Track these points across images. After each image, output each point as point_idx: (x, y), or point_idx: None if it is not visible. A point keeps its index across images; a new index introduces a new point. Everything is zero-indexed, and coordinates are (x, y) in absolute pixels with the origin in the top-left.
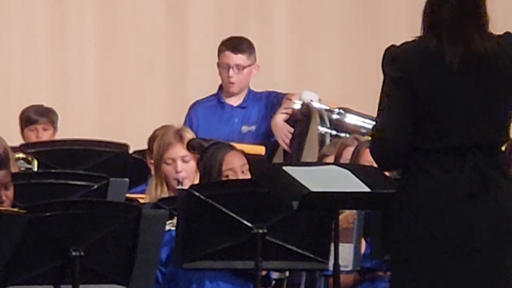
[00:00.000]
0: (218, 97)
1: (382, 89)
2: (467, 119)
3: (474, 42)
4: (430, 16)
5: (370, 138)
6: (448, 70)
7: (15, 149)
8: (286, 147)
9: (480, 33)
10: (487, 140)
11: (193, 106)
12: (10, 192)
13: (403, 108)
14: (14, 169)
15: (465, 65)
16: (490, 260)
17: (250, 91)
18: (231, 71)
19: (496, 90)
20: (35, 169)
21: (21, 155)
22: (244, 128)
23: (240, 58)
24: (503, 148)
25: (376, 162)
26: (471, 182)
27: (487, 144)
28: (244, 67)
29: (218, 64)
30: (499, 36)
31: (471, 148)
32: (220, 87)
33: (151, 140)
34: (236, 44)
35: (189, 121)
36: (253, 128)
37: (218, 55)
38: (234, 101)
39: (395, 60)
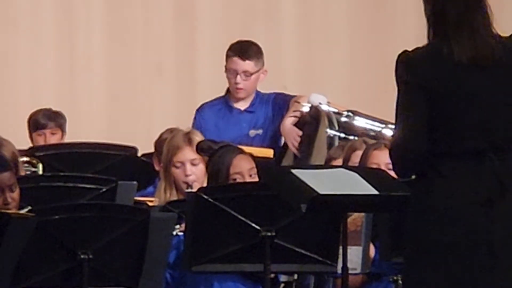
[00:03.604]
0: (226, 101)
1: (398, 96)
2: (482, 120)
3: (481, 38)
4: (436, 15)
5: (390, 144)
6: (460, 70)
7: (23, 153)
8: (295, 151)
9: (486, 30)
10: (502, 142)
11: (200, 109)
12: (15, 194)
13: (420, 113)
14: (21, 173)
15: (474, 62)
16: (507, 265)
17: (257, 94)
18: (238, 77)
19: (507, 89)
20: (40, 172)
21: (25, 158)
22: (252, 132)
23: (248, 65)
24: None
25: (395, 168)
26: (488, 187)
27: (502, 147)
28: (252, 73)
29: (226, 69)
30: (506, 37)
31: (487, 151)
32: (228, 90)
33: (158, 143)
34: (244, 50)
35: (197, 125)
36: (260, 131)
37: (226, 60)
38: (242, 105)
39: (409, 65)
